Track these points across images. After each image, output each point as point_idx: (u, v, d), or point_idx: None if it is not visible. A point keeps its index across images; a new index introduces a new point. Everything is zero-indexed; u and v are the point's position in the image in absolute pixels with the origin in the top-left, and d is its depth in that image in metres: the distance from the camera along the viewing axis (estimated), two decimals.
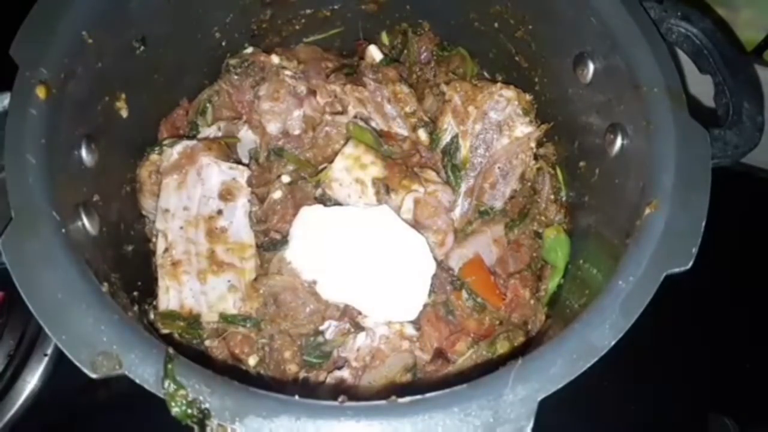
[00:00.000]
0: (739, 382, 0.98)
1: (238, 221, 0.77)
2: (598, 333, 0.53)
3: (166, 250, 0.74)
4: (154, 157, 0.79)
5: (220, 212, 0.77)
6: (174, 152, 0.78)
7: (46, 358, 0.87)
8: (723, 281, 0.99)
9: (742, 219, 1.03)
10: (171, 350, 0.49)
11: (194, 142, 0.80)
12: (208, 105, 0.87)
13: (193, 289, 0.73)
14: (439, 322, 0.76)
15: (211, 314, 0.73)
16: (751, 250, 1.06)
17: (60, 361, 0.86)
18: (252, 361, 0.73)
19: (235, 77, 0.87)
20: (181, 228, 0.75)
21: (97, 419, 0.85)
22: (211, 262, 0.74)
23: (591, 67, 0.73)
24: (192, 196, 0.77)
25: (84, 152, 0.66)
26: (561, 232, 0.81)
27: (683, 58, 0.76)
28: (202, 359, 0.51)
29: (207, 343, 0.73)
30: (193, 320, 0.73)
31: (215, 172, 0.78)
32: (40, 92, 0.59)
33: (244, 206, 0.78)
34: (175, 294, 0.73)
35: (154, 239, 0.77)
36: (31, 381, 0.86)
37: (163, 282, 0.73)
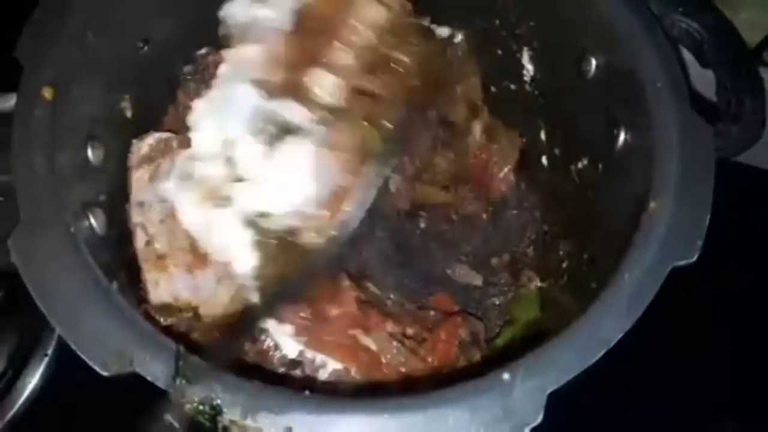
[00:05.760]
0: (740, 382, 0.98)
1: None
2: (606, 326, 0.53)
3: (148, 243, 0.72)
4: None
5: None
6: (144, 145, 0.76)
7: (47, 358, 0.86)
8: (723, 281, 0.99)
9: (742, 219, 1.03)
10: (182, 347, 0.50)
11: (168, 134, 0.77)
12: None
13: (186, 282, 0.72)
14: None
15: (206, 308, 0.72)
16: (752, 250, 1.06)
17: (60, 361, 0.85)
18: None
19: (193, 85, 0.83)
20: (162, 221, 0.73)
21: (98, 420, 0.85)
22: (193, 256, 0.72)
23: (593, 62, 0.74)
24: (169, 188, 0.74)
25: (90, 152, 0.66)
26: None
27: (685, 52, 0.76)
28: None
29: None
30: (191, 310, 0.72)
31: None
32: (46, 93, 0.59)
33: None
34: (165, 286, 0.71)
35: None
36: (32, 381, 0.85)
37: (150, 275, 0.71)
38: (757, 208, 1.07)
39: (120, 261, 0.68)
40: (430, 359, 0.75)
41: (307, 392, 0.49)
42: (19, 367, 0.85)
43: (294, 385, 0.50)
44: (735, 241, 0.92)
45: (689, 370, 0.97)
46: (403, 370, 0.74)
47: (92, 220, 0.63)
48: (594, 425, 0.90)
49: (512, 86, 0.92)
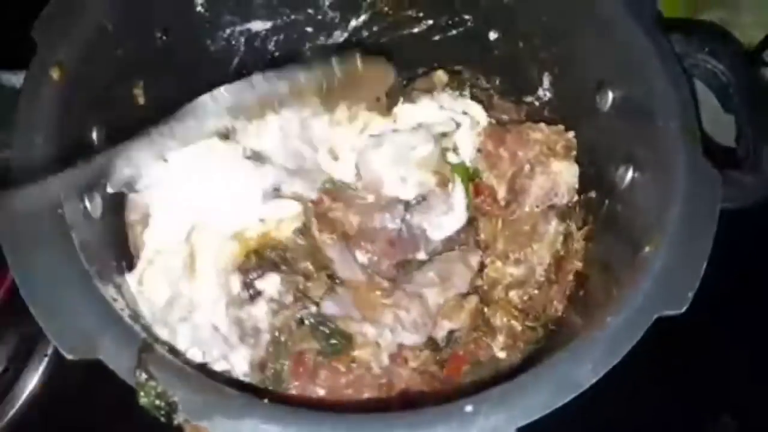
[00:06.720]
0: (739, 382, 0.95)
1: None
2: (580, 369, 0.51)
3: None
4: None
5: None
6: None
7: (46, 359, 0.87)
8: (723, 281, 0.96)
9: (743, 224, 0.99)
10: (147, 340, 0.50)
11: None
12: None
13: None
14: None
15: None
16: (753, 251, 1.02)
17: (60, 361, 0.86)
18: None
19: None
20: None
21: (98, 420, 0.86)
22: None
23: (609, 95, 0.72)
24: None
25: (95, 136, 0.66)
26: None
27: (706, 94, 0.74)
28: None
29: None
30: None
31: None
32: (55, 73, 0.60)
33: None
34: None
35: None
36: (31, 381, 0.86)
37: None
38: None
39: (114, 246, 0.68)
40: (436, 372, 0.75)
41: (265, 400, 0.49)
42: (19, 367, 0.86)
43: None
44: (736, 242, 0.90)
45: (689, 370, 0.94)
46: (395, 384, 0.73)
47: (87, 204, 0.63)
48: (593, 425, 0.87)
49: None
